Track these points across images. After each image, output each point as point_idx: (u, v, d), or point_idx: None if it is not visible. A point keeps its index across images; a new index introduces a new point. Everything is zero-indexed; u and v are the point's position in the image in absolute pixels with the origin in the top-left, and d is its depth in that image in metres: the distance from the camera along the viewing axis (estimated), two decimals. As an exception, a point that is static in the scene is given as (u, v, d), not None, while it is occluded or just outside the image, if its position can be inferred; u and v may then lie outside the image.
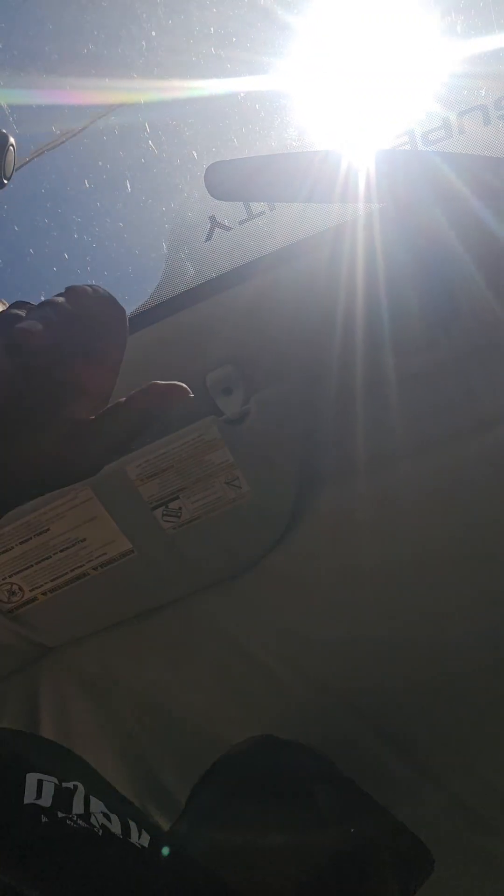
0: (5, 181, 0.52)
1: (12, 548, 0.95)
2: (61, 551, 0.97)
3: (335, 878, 0.61)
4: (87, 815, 0.39)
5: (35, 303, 0.38)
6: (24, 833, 0.36)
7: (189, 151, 0.77)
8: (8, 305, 0.37)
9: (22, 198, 0.77)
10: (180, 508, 0.98)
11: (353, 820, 0.70)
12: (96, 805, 0.41)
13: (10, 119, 0.72)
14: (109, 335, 0.38)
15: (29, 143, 0.74)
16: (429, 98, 0.77)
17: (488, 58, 0.75)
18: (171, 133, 0.76)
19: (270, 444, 0.97)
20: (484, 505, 1.01)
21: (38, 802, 0.38)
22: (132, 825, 0.42)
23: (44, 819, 0.37)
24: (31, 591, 1.01)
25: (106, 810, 0.41)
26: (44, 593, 1.01)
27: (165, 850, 0.45)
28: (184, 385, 0.39)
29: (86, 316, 0.37)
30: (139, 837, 0.41)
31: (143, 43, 0.73)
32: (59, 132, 0.77)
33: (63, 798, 0.39)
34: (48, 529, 0.95)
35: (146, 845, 0.41)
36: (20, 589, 1.00)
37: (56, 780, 0.40)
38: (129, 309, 0.86)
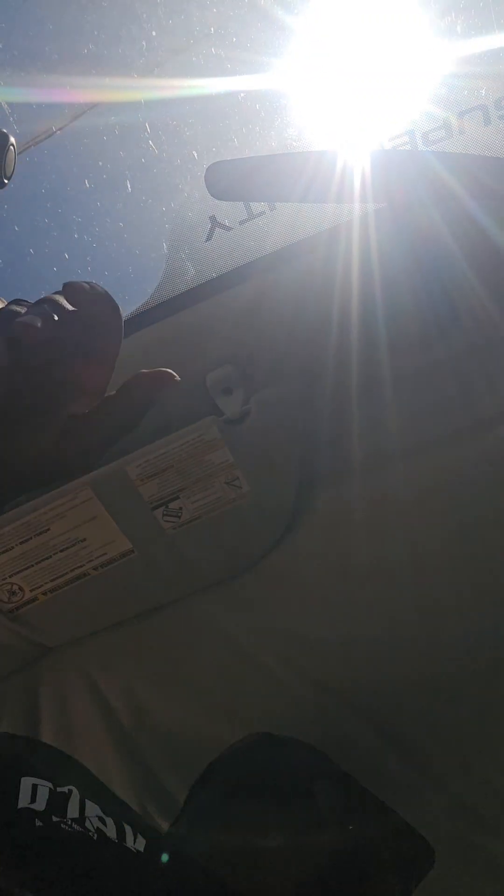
0: (6, 181, 0.52)
1: (12, 548, 0.95)
2: (61, 551, 0.97)
3: (335, 877, 0.61)
4: (81, 818, 0.39)
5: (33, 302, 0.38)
6: (18, 836, 0.36)
7: (189, 151, 0.77)
8: (7, 303, 0.37)
9: (22, 198, 0.77)
10: (180, 508, 0.98)
11: (353, 817, 0.70)
12: (91, 809, 0.40)
13: (11, 119, 0.72)
14: (106, 332, 0.38)
15: (29, 143, 0.74)
16: (429, 98, 0.77)
17: (488, 57, 0.75)
18: (172, 133, 0.76)
19: (270, 444, 0.97)
20: (484, 504, 1.01)
21: (33, 807, 0.38)
22: (128, 829, 0.41)
23: (38, 823, 0.37)
24: (31, 591, 1.01)
25: (101, 814, 0.41)
26: (44, 593, 1.01)
27: (164, 857, 0.45)
28: (170, 371, 0.40)
29: (83, 312, 0.37)
30: (135, 841, 0.41)
31: (144, 43, 0.73)
32: (58, 131, 0.77)
33: (58, 802, 0.39)
34: (48, 529, 0.95)
35: (142, 849, 0.41)
36: (20, 589, 1.00)
37: (51, 785, 0.40)
38: (130, 309, 0.86)
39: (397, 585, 1.02)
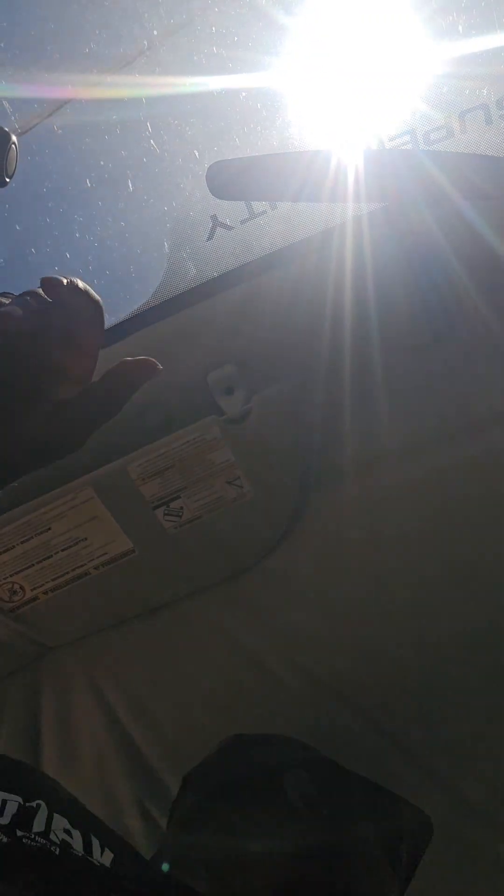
0: (7, 179, 0.52)
1: (13, 547, 0.95)
2: (62, 550, 0.97)
3: (315, 862, 0.61)
4: (46, 832, 0.39)
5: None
6: None
7: (191, 150, 0.77)
8: None
9: (24, 197, 0.77)
10: (181, 508, 0.98)
11: (329, 800, 0.70)
12: (59, 822, 0.40)
13: (13, 118, 0.72)
14: (86, 322, 0.41)
15: (31, 142, 0.74)
16: (431, 97, 0.77)
17: (490, 57, 0.75)
18: (173, 132, 0.76)
19: (272, 444, 0.97)
20: (485, 504, 1.01)
21: None
22: (95, 842, 0.41)
23: (1, 838, 0.37)
24: (32, 590, 1.01)
25: (69, 827, 0.41)
26: (45, 592, 1.01)
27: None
28: (153, 360, 0.42)
29: (61, 303, 0.40)
30: (101, 854, 0.41)
31: (145, 42, 0.73)
32: (59, 130, 0.77)
33: (24, 816, 0.39)
34: (49, 529, 0.95)
35: (108, 863, 0.41)
36: (21, 588, 1.00)
37: (21, 800, 0.40)
38: (131, 308, 0.86)
39: (398, 585, 1.03)
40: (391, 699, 0.99)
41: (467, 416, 1.00)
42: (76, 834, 0.40)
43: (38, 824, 0.39)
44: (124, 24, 0.73)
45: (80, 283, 0.41)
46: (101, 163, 0.77)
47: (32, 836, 0.38)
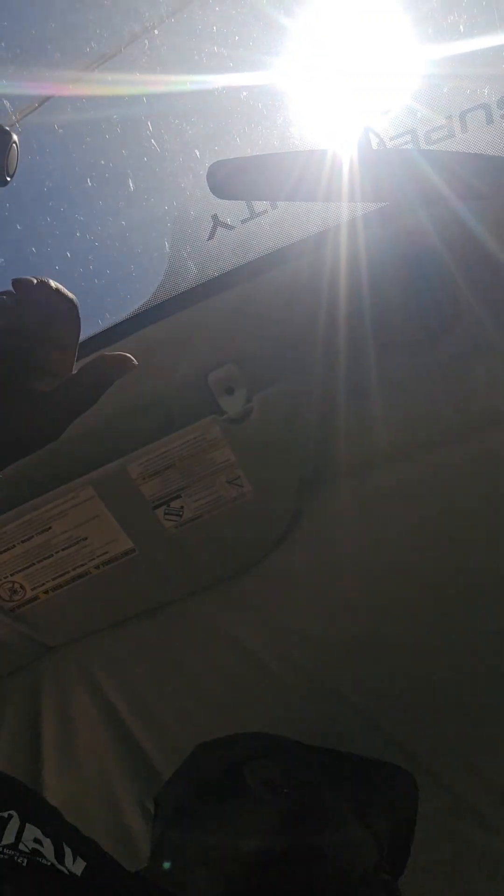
0: (8, 179, 0.52)
1: (14, 546, 0.95)
2: (63, 550, 0.97)
3: (286, 853, 0.61)
4: (16, 843, 0.39)
5: None
6: None
7: (191, 150, 0.77)
8: None
9: (24, 196, 0.77)
10: (182, 507, 0.98)
11: (296, 779, 0.71)
12: (30, 832, 0.40)
13: (14, 117, 0.72)
14: (62, 320, 0.44)
15: (31, 140, 0.74)
16: (431, 97, 0.77)
17: (490, 57, 0.75)
18: (174, 131, 0.76)
19: (272, 443, 0.97)
20: (485, 503, 1.01)
21: None
22: (67, 850, 0.41)
23: None
24: (32, 589, 1.01)
25: (40, 836, 0.40)
26: (45, 592, 1.01)
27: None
28: (128, 355, 0.44)
29: (34, 301, 0.42)
30: (73, 862, 0.41)
31: (146, 42, 0.73)
32: (60, 130, 0.77)
33: None
34: (50, 528, 0.95)
35: (79, 872, 0.40)
36: (22, 587, 1.00)
37: None
38: (132, 307, 0.86)
39: (398, 585, 1.03)
40: (391, 699, 0.99)
41: (467, 415, 1.00)
42: (47, 843, 0.40)
43: (9, 836, 0.39)
44: (125, 23, 0.73)
45: (52, 283, 0.43)
46: (102, 162, 0.77)
47: (1, 848, 0.38)
